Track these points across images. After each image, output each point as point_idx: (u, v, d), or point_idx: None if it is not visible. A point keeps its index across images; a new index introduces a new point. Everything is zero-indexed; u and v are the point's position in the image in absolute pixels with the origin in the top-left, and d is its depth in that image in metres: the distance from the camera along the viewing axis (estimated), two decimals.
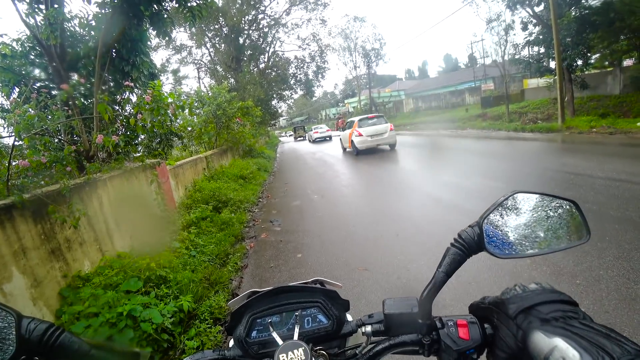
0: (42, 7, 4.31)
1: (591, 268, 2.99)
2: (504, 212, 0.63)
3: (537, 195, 0.64)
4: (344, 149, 16.50)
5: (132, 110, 4.07)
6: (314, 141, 28.64)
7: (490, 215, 0.62)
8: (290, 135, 44.14)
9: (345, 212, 5.83)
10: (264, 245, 4.67)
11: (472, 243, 0.61)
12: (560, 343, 0.43)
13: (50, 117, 3.42)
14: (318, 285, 0.82)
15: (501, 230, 0.62)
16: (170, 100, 4.38)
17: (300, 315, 0.71)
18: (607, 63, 19.58)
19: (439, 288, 0.61)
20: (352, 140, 13.92)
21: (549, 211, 0.64)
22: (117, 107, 5.36)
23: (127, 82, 3.85)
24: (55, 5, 4.24)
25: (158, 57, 35.68)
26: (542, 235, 0.62)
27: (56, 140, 4.21)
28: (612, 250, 3.22)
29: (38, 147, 3.69)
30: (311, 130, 32.22)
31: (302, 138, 37.57)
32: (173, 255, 3.60)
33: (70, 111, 3.85)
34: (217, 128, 11.20)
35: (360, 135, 13.43)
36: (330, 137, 29.04)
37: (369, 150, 14.06)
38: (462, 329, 0.60)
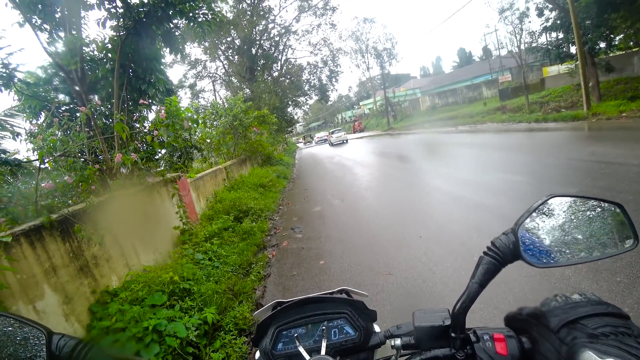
0: (62, 34, 4.50)
1: (632, 264, 2.81)
2: (541, 218, 0.59)
3: (576, 199, 0.59)
4: (331, 144, 30.65)
5: (149, 128, 4.18)
6: (317, 143, 39.45)
7: (526, 221, 0.58)
8: (301, 142, 50.57)
9: (367, 216, 5.76)
10: (286, 253, 4.66)
11: (507, 251, 0.57)
12: None
13: (73, 139, 3.54)
14: (344, 296, 0.80)
15: (538, 238, 0.58)
16: (188, 114, 4.48)
17: (326, 327, 0.69)
18: (632, 43, 18.67)
19: (473, 300, 0.58)
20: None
21: (589, 215, 0.58)
22: (137, 125, 5.53)
23: (142, 101, 3.95)
24: (74, 32, 4.42)
25: (175, 73, 36.85)
26: (583, 241, 0.57)
27: (82, 160, 4.37)
28: None
29: (61, 168, 3.84)
30: (315, 136, 44.62)
31: (310, 143, 46.34)
32: (197, 267, 3.64)
33: (91, 132, 3.98)
34: (234, 138, 11.37)
35: (331, 137, 28.83)
36: (326, 139, 37.47)
37: (387, 153, 14.80)
38: (499, 343, 0.56)
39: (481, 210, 4.75)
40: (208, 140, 10.96)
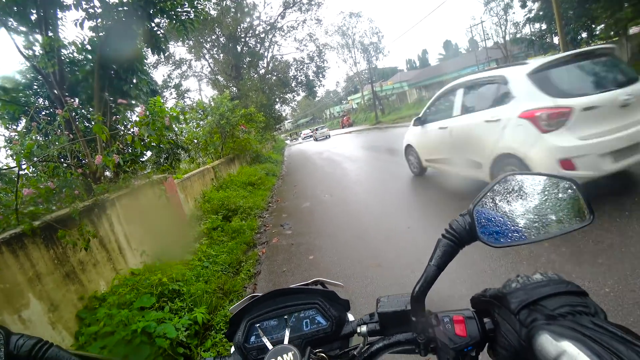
0: (38, 36, 4.39)
1: (613, 246, 2.88)
2: (498, 197, 0.58)
3: (531, 176, 0.59)
4: (315, 139, 35.14)
5: (130, 127, 4.12)
6: (303, 139, 42.41)
7: (482, 201, 0.58)
8: (288, 139, 53.07)
9: (356, 210, 5.78)
10: (276, 250, 4.66)
11: (463, 233, 0.57)
12: (569, 347, 0.38)
13: (52, 143, 3.48)
14: (318, 287, 0.79)
15: (495, 217, 0.57)
16: (172, 113, 4.42)
17: (297, 318, 0.70)
18: (612, 33, 19.04)
19: (431, 282, 0.58)
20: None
21: (546, 193, 0.58)
22: (121, 127, 5.44)
23: (120, 100, 3.88)
24: (51, 34, 4.32)
25: (159, 74, 36.26)
26: (541, 219, 0.57)
27: (64, 165, 4.29)
28: (633, 225, 3.10)
29: (43, 174, 3.77)
30: (301, 133, 47.59)
31: (296, 140, 49.31)
32: (186, 268, 3.62)
33: (71, 135, 3.91)
34: (222, 137, 11.27)
35: (316, 133, 34.07)
36: (311, 136, 40.55)
37: (375, 147, 14.97)
38: (459, 325, 0.57)
39: (469, 200, 4.81)
40: (195, 141, 10.86)
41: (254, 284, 3.73)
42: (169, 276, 3.08)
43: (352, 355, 0.65)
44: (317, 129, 38.33)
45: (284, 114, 33.33)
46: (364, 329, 0.64)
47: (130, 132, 3.78)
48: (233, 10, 24.98)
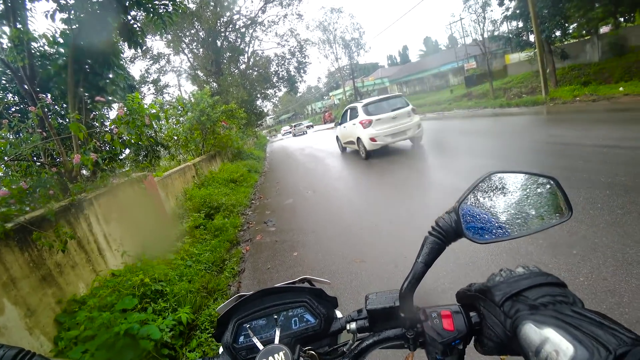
0: (6, 28, 4.18)
1: (586, 237, 3.01)
2: (481, 195, 0.60)
3: (515, 174, 0.62)
4: (294, 135, 36.64)
5: (109, 125, 3.98)
6: (283, 135, 44.52)
7: (467, 199, 0.60)
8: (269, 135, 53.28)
9: (339, 205, 5.82)
10: (260, 247, 4.64)
11: (449, 230, 0.58)
12: (552, 334, 0.41)
13: (25, 142, 3.33)
14: (306, 284, 0.79)
15: (479, 214, 0.59)
16: (152, 111, 4.30)
17: (286, 316, 0.70)
18: (584, 32, 19.75)
19: (419, 279, 0.59)
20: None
21: (528, 190, 0.61)
22: (96, 124, 5.26)
23: (98, 98, 3.73)
24: (19, 26, 4.12)
25: (137, 68, 35.20)
26: (523, 215, 0.59)
27: (38, 164, 4.12)
28: (605, 217, 3.25)
29: (16, 174, 3.61)
30: (282, 130, 50.20)
31: (275, 136, 49.62)
32: (168, 267, 3.55)
33: (44, 133, 3.75)
34: (202, 134, 11.08)
35: (294, 129, 36.08)
36: (290, 132, 42.47)
37: None
38: (447, 319, 0.58)
39: (452, 193, 4.91)
40: (175, 138, 10.63)
41: (238, 282, 3.70)
42: (151, 276, 3.02)
43: (342, 352, 0.66)
44: (295, 126, 42.66)
45: (265, 110, 33.06)
46: (353, 325, 0.65)
47: (108, 131, 3.65)
48: (212, 3, 24.43)
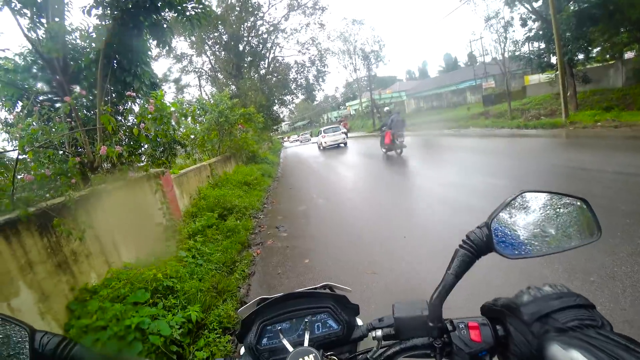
0: (44, 20, 4.34)
1: (604, 265, 2.93)
2: (513, 212, 0.62)
3: (545, 194, 0.64)
4: (300, 142, 43.02)
5: (135, 120, 4.07)
6: (291, 143, 47.76)
7: (499, 215, 0.61)
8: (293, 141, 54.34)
9: (352, 216, 5.79)
10: (271, 252, 4.63)
11: (481, 244, 0.60)
12: (578, 356, 0.42)
13: (53, 130, 3.42)
14: (327, 291, 0.81)
15: (510, 230, 0.61)
16: (173, 109, 4.38)
17: (310, 321, 0.71)
18: (608, 56, 19.48)
19: (448, 290, 0.60)
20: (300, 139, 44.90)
21: (558, 210, 0.63)
22: (120, 118, 5.37)
23: (129, 93, 3.83)
24: (57, 19, 4.27)
25: (159, 67, 36.05)
26: (552, 234, 0.61)
27: (60, 153, 4.22)
28: (625, 246, 3.15)
29: (42, 160, 3.69)
30: (290, 138, 54.15)
31: (286, 141, 53.18)
32: (180, 265, 3.57)
33: (72, 123, 3.85)
34: (219, 135, 11.22)
35: (300, 137, 45.82)
36: (299, 141, 46.16)
37: (371, 154, 15.05)
38: (474, 331, 0.59)
39: (465, 211, 4.85)
40: (192, 137, 10.79)
41: (248, 285, 3.70)
42: (163, 272, 3.03)
43: (365, 358, 0.66)
44: (301, 135, 50.81)
45: (281, 116, 33.37)
46: (379, 333, 0.65)
47: (134, 125, 3.73)
48: (238, 8, 24.97)
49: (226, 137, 11.27)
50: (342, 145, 22.43)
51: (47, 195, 3.50)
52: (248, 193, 8.01)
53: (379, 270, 3.50)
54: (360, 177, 10.06)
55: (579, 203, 0.63)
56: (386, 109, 20.01)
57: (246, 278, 3.86)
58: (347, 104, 66.94)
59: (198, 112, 11.27)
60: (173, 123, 3.81)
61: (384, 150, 12.61)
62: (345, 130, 24.74)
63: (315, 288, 0.83)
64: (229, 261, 4.16)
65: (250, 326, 0.71)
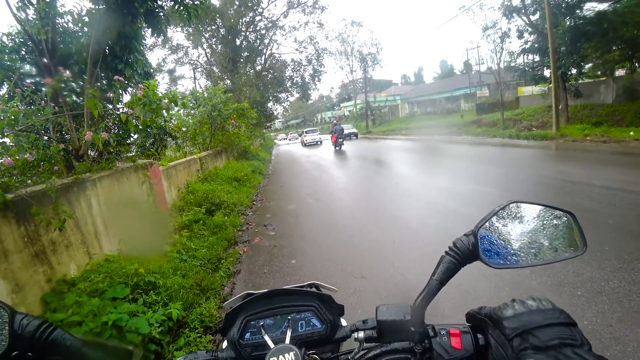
0: (34, 0, 4.18)
1: (592, 279, 2.94)
2: (500, 222, 0.63)
3: (533, 206, 0.64)
4: (289, 140, 46.03)
5: (124, 108, 3.94)
6: (280, 141, 49.89)
7: (486, 224, 0.61)
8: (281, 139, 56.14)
9: (341, 217, 5.74)
10: (258, 250, 4.56)
11: (466, 252, 0.60)
12: None
13: (39, 113, 3.28)
14: (313, 289, 0.81)
15: (496, 240, 0.62)
16: (165, 100, 4.26)
17: (293, 319, 0.71)
18: (599, 72, 19.86)
19: (432, 296, 0.60)
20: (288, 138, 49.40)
21: (545, 222, 0.63)
22: (110, 106, 5.23)
23: (117, 77, 3.67)
24: None
25: (154, 57, 35.49)
26: (538, 245, 0.61)
27: (45, 138, 4.06)
28: (612, 261, 3.17)
29: (23, 144, 3.55)
30: (280, 136, 57.60)
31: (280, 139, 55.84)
32: (164, 259, 3.47)
33: (57, 108, 3.71)
34: (212, 129, 11.07)
35: (288, 137, 50.11)
36: (285, 139, 51.10)
37: (365, 156, 15.29)
38: (455, 338, 0.60)
39: (454, 217, 4.85)
40: (184, 129, 10.63)
41: (232, 283, 3.61)
42: (145, 267, 2.93)
43: (347, 359, 0.67)
44: (290, 134, 54.55)
45: (275, 113, 33.19)
46: (361, 334, 0.66)
47: (123, 111, 3.59)
48: (237, 2, 24.72)
49: (218, 131, 11.13)
50: (318, 142, 28.59)
51: (30, 182, 3.37)
52: (237, 189, 7.90)
53: (368, 275, 3.46)
54: (350, 178, 10.02)
55: (565, 216, 0.63)
56: (334, 121, 25.30)
57: (231, 276, 3.78)
58: (341, 104, 67.03)
59: (191, 104, 11.12)
60: (164, 113, 3.68)
61: (333, 145, 20.19)
62: (294, 134, 44.05)
63: (302, 286, 0.82)
64: (214, 258, 4.07)
65: (234, 320, 0.71)
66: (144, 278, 2.76)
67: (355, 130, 29.53)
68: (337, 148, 19.26)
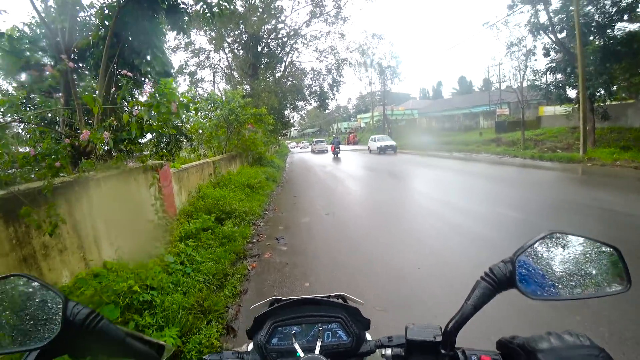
0: None
1: (636, 320, 2.53)
2: (539, 251, 0.61)
3: (575, 237, 0.61)
4: (300, 148, 49.74)
5: (129, 105, 3.68)
6: (292, 149, 50.28)
7: (525, 252, 0.60)
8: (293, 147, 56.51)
9: (359, 237, 5.31)
10: (268, 267, 4.19)
11: (503, 279, 0.59)
12: None
13: (42, 105, 3.04)
14: (340, 301, 0.79)
15: (534, 270, 0.60)
16: (183, 100, 4.00)
17: (319, 328, 0.71)
18: (624, 95, 19.17)
19: (465, 320, 0.60)
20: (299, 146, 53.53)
21: (587, 255, 0.60)
22: (125, 103, 5.02)
23: (124, 72, 3.38)
24: None
25: (176, 59, 36.21)
26: (578, 278, 0.59)
27: (55, 132, 3.84)
28: None
29: (34, 136, 3.32)
30: (292, 144, 57.75)
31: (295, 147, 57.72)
32: (164, 272, 3.15)
33: (62, 100, 3.47)
34: (227, 133, 10.89)
35: (298, 145, 53.91)
36: (296, 147, 52.78)
37: (382, 170, 14.95)
38: None
39: (482, 244, 4.43)
40: (200, 131, 10.46)
41: (238, 305, 3.23)
42: (142, 282, 2.61)
43: None
44: (301, 142, 58.63)
45: (292, 121, 33.20)
46: (388, 352, 0.68)
47: (127, 111, 3.33)
48: (260, 10, 24.90)
49: (234, 135, 10.92)
50: (325, 151, 32.91)
51: (33, 175, 3.12)
52: (250, 196, 7.59)
53: (390, 308, 3.05)
54: (368, 193, 9.65)
55: (610, 250, 0.61)
56: (334, 136, 33.27)
57: (237, 296, 3.40)
58: (358, 116, 66.96)
59: (209, 107, 10.97)
60: (174, 112, 3.37)
61: (332, 154, 26.33)
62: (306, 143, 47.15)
63: (329, 296, 0.80)
64: (220, 273, 3.71)
65: (262, 324, 0.72)
66: (139, 297, 2.43)
67: (393, 143, 26.60)
68: (335, 155, 25.56)
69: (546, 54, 18.66)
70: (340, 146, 29.56)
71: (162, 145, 6.80)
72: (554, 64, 17.87)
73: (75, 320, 0.52)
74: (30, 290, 0.53)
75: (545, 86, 18.52)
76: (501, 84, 33.42)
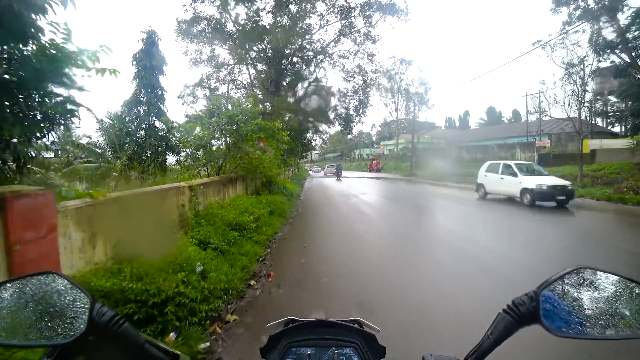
0: None
1: None
2: (567, 287, 0.57)
3: (606, 274, 0.57)
4: (314, 172, 53.03)
5: None
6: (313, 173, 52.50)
7: (549, 286, 0.57)
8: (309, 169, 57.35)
9: (405, 319, 2.43)
10: None
11: (526, 313, 0.56)
12: None
13: None
14: (356, 326, 0.76)
15: (559, 305, 0.56)
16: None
17: (333, 352, 0.69)
18: None
19: (485, 354, 0.57)
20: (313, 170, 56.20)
21: (619, 294, 0.55)
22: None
23: None
24: None
25: (197, 72, 36.00)
26: (608, 318, 0.54)
27: None
28: None
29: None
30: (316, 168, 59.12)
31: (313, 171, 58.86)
32: None
33: None
34: (227, 148, 8.41)
35: (312, 168, 57.14)
36: (311, 169, 55.98)
37: (415, 205, 12.38)
38: None
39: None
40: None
41: None
42: None
43: None
44: (313, 167, 60.68)
45: (313, 144, 31.05)
46: None
47: None
48: (287, 26, 23.29)
49: (234, 151, 8.34)
50: (334, 174, 34.81)
51: None
52: (233, 248, 4.69)
53: None
54: (410, 241, 6.78)
55: None
56: (337, 163, 34.90)
57: None
58: (381, 142, 64.57)
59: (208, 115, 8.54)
60: None
61: (335, 178, 30.33)
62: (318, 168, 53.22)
63: (346, 321, 0.76)
64: None
65: (276, 344, 0.71)
66: None
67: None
68: (337, 179, 29.32)
69: (616, 75, 15.66)
70: (342, 171, 36.00)
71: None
72: (629, 88, 14.86)
73: (100, 321, 0.53)
74: (62, 288, 0.55)
75: (617, 113, 15.43)
76: (541, 114, 30.21)
